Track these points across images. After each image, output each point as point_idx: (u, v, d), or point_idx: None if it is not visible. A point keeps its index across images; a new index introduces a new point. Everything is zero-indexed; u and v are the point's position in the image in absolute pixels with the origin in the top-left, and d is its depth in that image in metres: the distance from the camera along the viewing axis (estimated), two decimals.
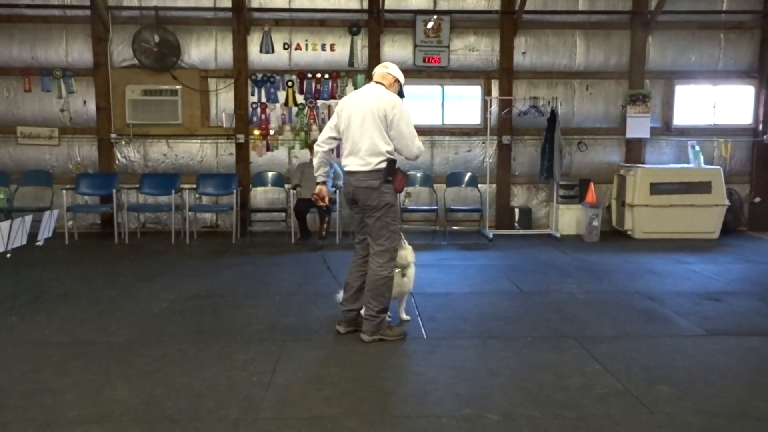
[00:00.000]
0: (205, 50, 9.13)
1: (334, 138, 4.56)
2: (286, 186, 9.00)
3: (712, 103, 9.58)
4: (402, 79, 4.64)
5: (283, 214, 9.00)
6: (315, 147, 4.66)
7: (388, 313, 4.62)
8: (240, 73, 9.05)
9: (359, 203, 4.45)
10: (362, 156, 4.34)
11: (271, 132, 9.22)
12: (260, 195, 9.34)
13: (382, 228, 4.38)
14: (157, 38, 8.86)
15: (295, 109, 9.21)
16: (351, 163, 4.41)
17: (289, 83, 9.12)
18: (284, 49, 9.16)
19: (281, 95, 9.20)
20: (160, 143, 9.23)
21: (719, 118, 9.62)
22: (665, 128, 9.55)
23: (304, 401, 3.51)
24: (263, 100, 9.18)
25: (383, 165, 4.32)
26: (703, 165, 9.06)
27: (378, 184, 4.32)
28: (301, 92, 9.17)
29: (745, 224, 9.53)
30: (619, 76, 9.40)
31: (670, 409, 3.44)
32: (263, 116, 9.20)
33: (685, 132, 9.52)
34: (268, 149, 9.26)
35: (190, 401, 3.49)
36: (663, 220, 8.71)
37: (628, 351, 4.34)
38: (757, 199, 9.48)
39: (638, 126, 9.29)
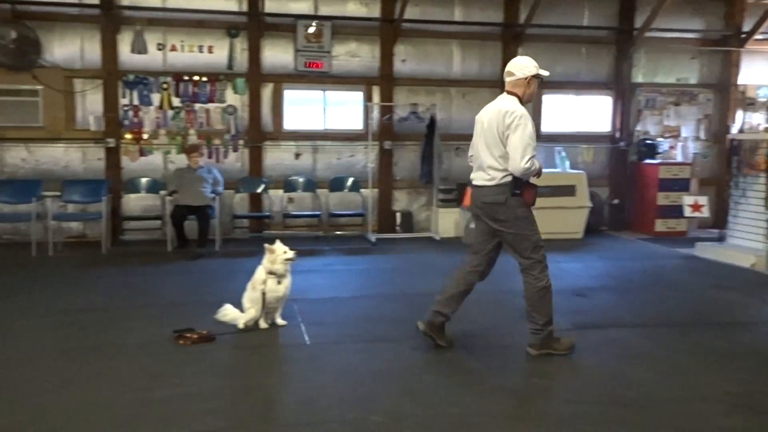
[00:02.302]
0: (70, 48, 8.52)
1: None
2: (162, 192, 8.60)
3: (576, 111, 10.28)
4: (532, 70, 4.26)
5: (159, 221, 8.59)
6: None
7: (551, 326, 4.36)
8: (110, 73, 8.54)
9: (487, 218, 4.36)
10: (487, 170, 4.27)
11: (145, 136, 8.78)
12: (133, 202, 8.85)
13: (522, 241, 4.30)
14: (14, 34, 8.17)
15: (171, 113, 8.83)
16: (477, 178, 4.37)
17: (164, 85, 8.74)
18: (158, 49, 8.77)
19: (156, 98, 8.79)
20: (18, 148, 8.50)
21: (582, 125, 10.34)
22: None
23: (187, 416, 3.36)
24: (136, 102, 8.72)
25: (509, 179, 4.20)
26: (568, 170, 9.68)
27: (504, 199, 4.23)
28: (177, 95, 8.81)
29: (605, 224, 10.29)
30: (493, 85, 9.80)
31: (544, 401, 3.64)
32: (136, 119, 8.74)
33: (553, 138, 10.11)
34: (141, 154, 8.81)
35: (58, 424, 3.23)
36: None
37: (506, 347, 4.54)
38: (615, 201, 10.27)
39: None
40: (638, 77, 10.27)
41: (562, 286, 6.40)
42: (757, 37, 10.12)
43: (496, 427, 3.30)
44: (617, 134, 10.25)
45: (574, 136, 10.26)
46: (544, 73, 4.36)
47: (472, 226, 8.85)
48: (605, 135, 10.36)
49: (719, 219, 9.27)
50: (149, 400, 3.55)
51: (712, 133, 10.55)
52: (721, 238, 8.25)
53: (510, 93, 4.29)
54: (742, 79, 10.40)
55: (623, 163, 10.29)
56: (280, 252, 4.86)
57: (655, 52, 10.25)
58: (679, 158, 10.20)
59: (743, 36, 10.13)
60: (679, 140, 10.36)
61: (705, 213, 8.16)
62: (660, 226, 9.58)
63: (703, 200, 8.07)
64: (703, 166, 10.40)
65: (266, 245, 4.90)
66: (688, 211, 8.11)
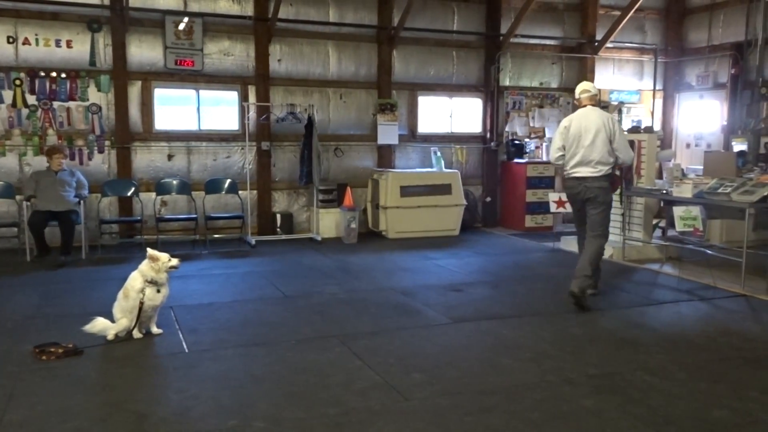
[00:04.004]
0: None
1: (564, 155, 5.83)
2: (18, 197, 7.93)
3: (449, 112, 10.65)
4: (597, 89, 5.94)
5: (15, 229, 7.90)
6: (554, 164, 6.24)
7: None
8: None
9: (588, 201, 5.72)
10: (594, 165, 5.65)
11: None
12: None
13: (605, 218, 5.78)
14: None
15: (26, 111, 8.17)
16: (582, 171, 5.70)
17: (17, 82, 8.06)
18: (8, 42, 8.07)
19: (7, 95, 8.09)
20: None
21: (456, 126, 10.73)
22: (411, 135, 10.36)
23: None
24: None
25: (610, 171, 5.70)
26: (444, 169, 10.02)
27: (608, 186, 5.72)
28: (32, 92, 8.16)
29: (479, 221, 10.74)
30: (369, 86, 9.96)
31: (422, 394, 3.74)
32: None
33: (428, 139, 10.42)
34: None
35: None
36: (412, 220, 9.44)
37: (385, 344, 4.62)
38: (488, 199, 10.76)
39: (388, 133, 9.96)
40: (505, 81, 10.81)
41: (439, 282, 6.62)
42: (608, 45, 11.00)
43: (377, 424, 3.35)
44: (488, 135, 10.73)
45: (448, 137, 10.62)
46: None
47: (353, 226, 8.99)
48: (477, 136, 10.81)
49: None
50: (2, 423, 3.26)
51: None
52: None
53: (593, 105, 5.82)
54: (596, 84, 11.24)
55: (494, 163, 10.79)
56: (164, 259, 4.66)
57: (519, 57, 10.85)
58: (544, 157, 10.84)
59: (596, 44, 10.97)
60: (544, 140, 11.01)
61: (568, 209, 8.69)
62: (529, 221, 10.16)
63: (566, 197, 8.62)
64: None
65: (149, 252, 4.68)
66: (553, 207, 8.62)
